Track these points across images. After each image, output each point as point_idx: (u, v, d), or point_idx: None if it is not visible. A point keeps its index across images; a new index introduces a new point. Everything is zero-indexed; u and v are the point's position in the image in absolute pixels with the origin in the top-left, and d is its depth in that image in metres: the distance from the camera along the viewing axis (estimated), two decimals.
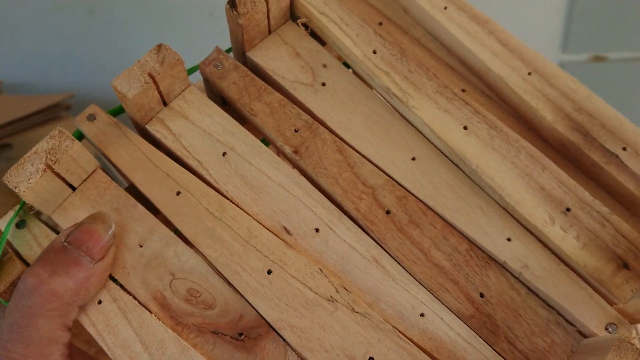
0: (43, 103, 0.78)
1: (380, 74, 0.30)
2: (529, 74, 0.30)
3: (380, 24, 0.32)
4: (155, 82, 0.27)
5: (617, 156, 0.28)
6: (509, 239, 0.27)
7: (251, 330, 0.25)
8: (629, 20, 0.89)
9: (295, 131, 0.29)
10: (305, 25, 0.32)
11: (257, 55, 0.31)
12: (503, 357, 0.25)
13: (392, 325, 0.26)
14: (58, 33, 0.91)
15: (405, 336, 0.25)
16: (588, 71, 0.93)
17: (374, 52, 0.30)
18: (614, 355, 0.22)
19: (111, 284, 0.26)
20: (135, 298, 0.26)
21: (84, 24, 0.90)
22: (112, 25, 0.90)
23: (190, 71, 0.31)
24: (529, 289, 0.27)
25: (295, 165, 0.29)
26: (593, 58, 0.91)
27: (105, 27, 0.90)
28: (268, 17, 0.30)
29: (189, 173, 0.28)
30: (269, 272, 0.26)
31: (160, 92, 0.28)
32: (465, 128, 0.29)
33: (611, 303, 0.26)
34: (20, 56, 0.93)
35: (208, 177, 0.28)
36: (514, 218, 0.28)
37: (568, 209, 0.27)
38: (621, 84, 0.93)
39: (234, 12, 0.28)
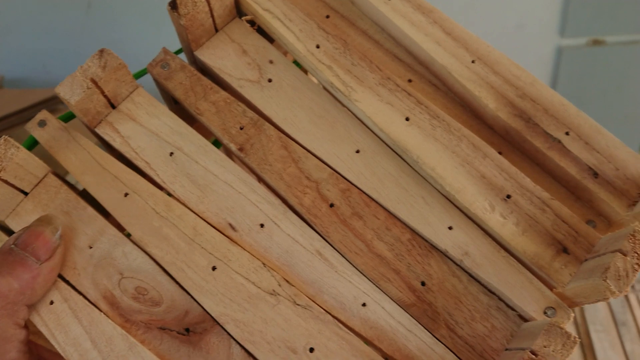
0: (40, 96, 0.80)
1: (323, 69, 0.30)
2: (473, 62, 0.30)
3: (328, 17, 0.33)
4: (98, 86, 0.28)
5: (559, 141, 0.29)
6: (450, 228, 0.28)
7: (197, 325, 0.26)
8: (626, 3, 0.88)
9: (241, 129, 0.30)
10: (252, 22, 0.32)
11: (204, 54, 0.31)
12: (443, 343, 0.26)
13: (334, 316, 0.26)
14: (57, 28, 0.92)
15: (347, 326, 0.26)
16: (586, 55, 0.92)
17: (317, 46, 0.31)
18: (543, 339, 0.23)
19: (62, 284, 0.27)
20: (85, 297, 0.27)
21: (82, 18, 0.91)
22: (109, 18, 0.91)
23: (138, 75, 0.31)
24: (470, 275, 0.27)
25: (242, 163, 0.30)
26: (591, 42, 0.90)
27: (102, 21, 0.91)
28: (212, 16, 0.30)
29: (137, 174, 0.29)
30: (214, 268, 0.27)
31: (106, 96, 0.29)
32: (407, 119, 0.29)
33: (551, 287, 0.27)
34: (21, 52, 0.95)
35: (156, 178, 0.29)
36: (456, 207, 0.28)
37: (508, 196, 0.28)
38: (619, 67, 0.92)
39: (175, 13, 0.29)
